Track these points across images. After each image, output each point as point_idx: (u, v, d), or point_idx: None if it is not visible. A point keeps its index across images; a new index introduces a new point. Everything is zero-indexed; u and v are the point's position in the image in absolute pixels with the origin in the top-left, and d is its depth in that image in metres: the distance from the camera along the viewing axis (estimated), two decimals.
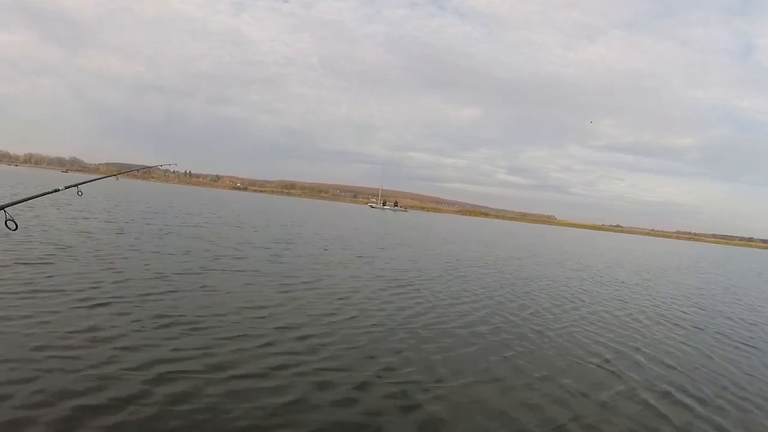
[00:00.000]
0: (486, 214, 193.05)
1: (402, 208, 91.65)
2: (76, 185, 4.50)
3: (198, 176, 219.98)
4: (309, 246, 12.45)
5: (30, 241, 7.98)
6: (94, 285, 5.61)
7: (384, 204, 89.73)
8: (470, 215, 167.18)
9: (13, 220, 3.51)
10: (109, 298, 5.13)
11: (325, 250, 12.03)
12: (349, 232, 20.23)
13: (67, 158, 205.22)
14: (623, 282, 12.21)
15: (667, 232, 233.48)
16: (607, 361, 4.93)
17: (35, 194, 3.93)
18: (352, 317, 5.52)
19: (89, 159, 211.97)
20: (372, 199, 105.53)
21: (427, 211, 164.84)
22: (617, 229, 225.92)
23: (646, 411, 3.71)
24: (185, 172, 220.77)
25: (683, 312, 8.63)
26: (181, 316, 4.77)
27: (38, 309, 4.46)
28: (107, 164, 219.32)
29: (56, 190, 4.23)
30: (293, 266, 8.77)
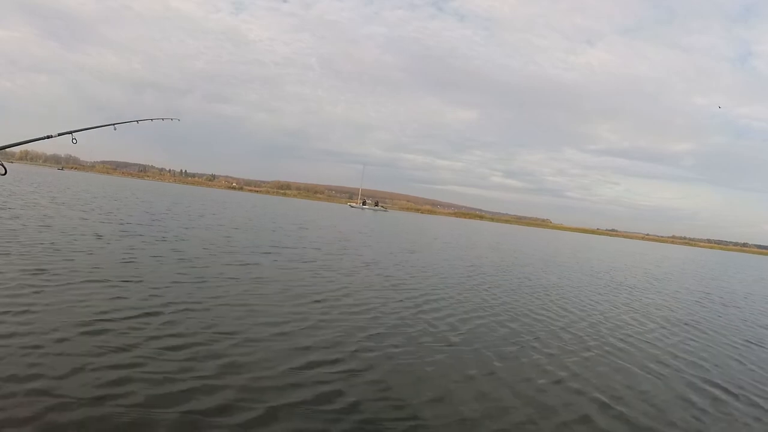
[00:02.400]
0: (481, 217, 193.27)
1: (382, 208, 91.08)
2: (70, 132, 4.54)
3: (194, 175, 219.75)
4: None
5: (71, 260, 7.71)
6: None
7: (364, 204, 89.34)
8: (465, 217, 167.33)
9: (2, 165, 3.61)
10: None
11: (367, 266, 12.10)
12: (361, 236, 20.29)
13: (63, 156, 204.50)
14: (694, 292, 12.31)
15: (662, 236, 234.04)
16: None
17: (28, 139, 4.08)
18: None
19: (85, 157, 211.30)
20: (351, 200, 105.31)
21: (422, 213, 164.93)
22: (613, 233, 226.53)
23: None
24: (181, 171, 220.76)
25: None
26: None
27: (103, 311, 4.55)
28: (103, 162, 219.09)
29: (48, 137, 4.29)
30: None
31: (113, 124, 5.75)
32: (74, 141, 4.44)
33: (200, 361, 3.82)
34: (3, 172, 3.24)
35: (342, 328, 5.27)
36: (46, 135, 4.17)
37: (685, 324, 8.27)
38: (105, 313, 4.73)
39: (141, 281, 6.32)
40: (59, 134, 4.25)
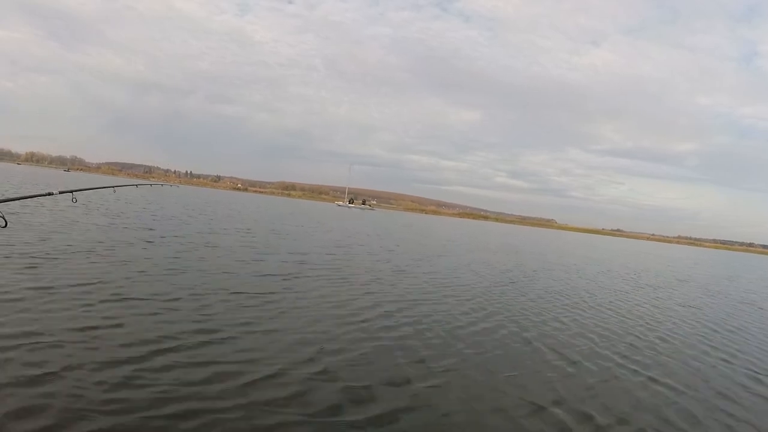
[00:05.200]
0: (485, 218, 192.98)
1: (369, 207, 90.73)
2: (71, 191, 4.70)
3: (199, 176, 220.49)
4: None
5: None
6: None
7: (350, 202, 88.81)
8: (469, 218, 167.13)
9: (3, 218, 3.74)
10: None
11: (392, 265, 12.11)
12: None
13: (69, 157, 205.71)
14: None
15: (668, 237, 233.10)
16: None
17: (27, 195, 4.19)
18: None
19: (90, 158, 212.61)
20: (338, 199, 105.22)
21: (426, 213, 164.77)
22: (618, 233, 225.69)
23: None
24: (186, 172, 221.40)
25: None
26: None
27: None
28: (108, 163, 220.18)
29: (50, 194, 4.46)
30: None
31: (113, 187, 6.34)
32: (74, 201, 4.94)
33: None
34: (3, 224, 3.38)
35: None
36: (47, 192, 4.49)
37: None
38: None
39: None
40: (60, 192, 4.66)
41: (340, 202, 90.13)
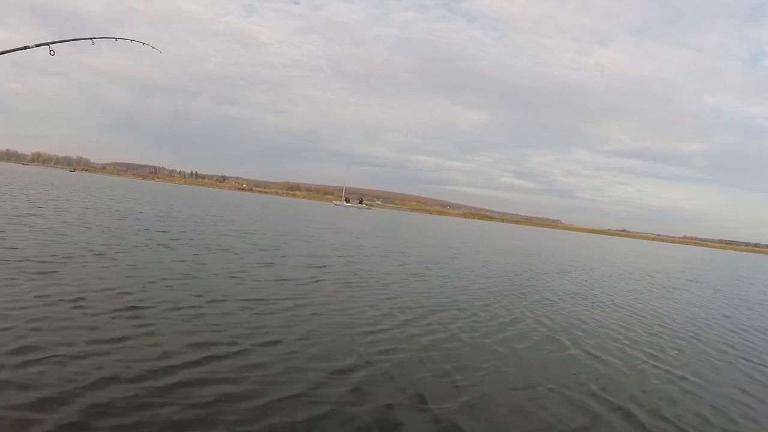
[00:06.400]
0: (491, 218, 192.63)
1: (367, 206, 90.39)
2: (48, 44, 4.71)
3: (204, 177, 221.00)
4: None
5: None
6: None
7: (347, 200, 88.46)
8: (474, 218, 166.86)
9: None
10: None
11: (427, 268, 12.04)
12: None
13: (74, 157, 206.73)
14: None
15: (673, 237, 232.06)
16: None
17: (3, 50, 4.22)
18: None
19: (96, 158, 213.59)
20: (328, 197, 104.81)
21: (431, 213, 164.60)
22: (623, 233, 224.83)
23: None
24: (191, 172, 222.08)
25: None
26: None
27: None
28: (113, 164, 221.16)
29: (26, 47, 4.45)
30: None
31: (92, 38, 5.69)
32: (52, 53, 4.68)
33: None
34: None
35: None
36: (23, 46, 4.23)
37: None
38: None
39: None
40: (36, 45, 4.38)
41: (337, 201, 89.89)
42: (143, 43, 6.89)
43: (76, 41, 5.58)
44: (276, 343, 4.42)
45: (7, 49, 4.25)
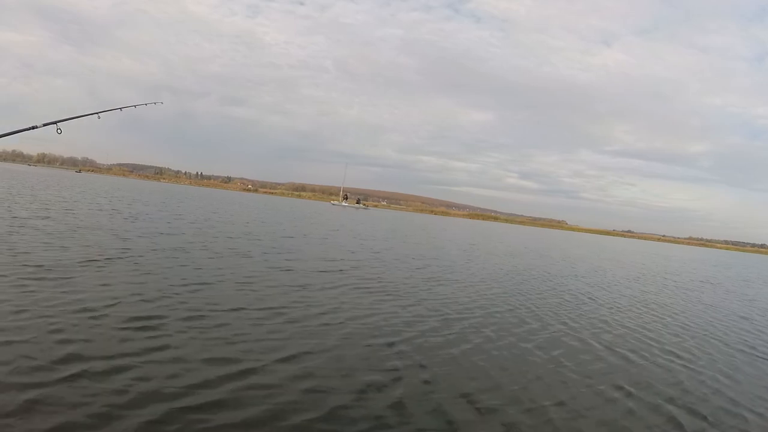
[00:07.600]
0: (496, 218, 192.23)
1: (364, 206, 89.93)
2: (55, 122, 4.34)
3: (209, 177, 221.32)
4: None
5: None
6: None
7: (345, 198, 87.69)
8: (479, 219, 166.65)
9: None
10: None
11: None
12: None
13: (80, 158, 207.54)
14: None
15: (679, 238, 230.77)
16: None
17: (10, 131, 3.83)
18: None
19: (102, 159, 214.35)
20: (333, 198, 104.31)
21: (435, 214, 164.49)
22: (628, 234, 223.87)
23: None
24: (197, 173, 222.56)
25: None
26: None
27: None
28: (119, 164, 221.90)
29: (33, 127, 4.12)
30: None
31: (98, 113, 5.45)
32: (59, 131, 4.28)
33: None
34: None
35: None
36: (31, 126, 3.98)
37: None
38: None
39: None
40: (44, 125, 4.11)
41: (335, 201, 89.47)
42: (146, 104, 6.61)
43: (82, 117, 5.07)
44: (304, 355, 4.34)
45: (16, 129, 4.05)
